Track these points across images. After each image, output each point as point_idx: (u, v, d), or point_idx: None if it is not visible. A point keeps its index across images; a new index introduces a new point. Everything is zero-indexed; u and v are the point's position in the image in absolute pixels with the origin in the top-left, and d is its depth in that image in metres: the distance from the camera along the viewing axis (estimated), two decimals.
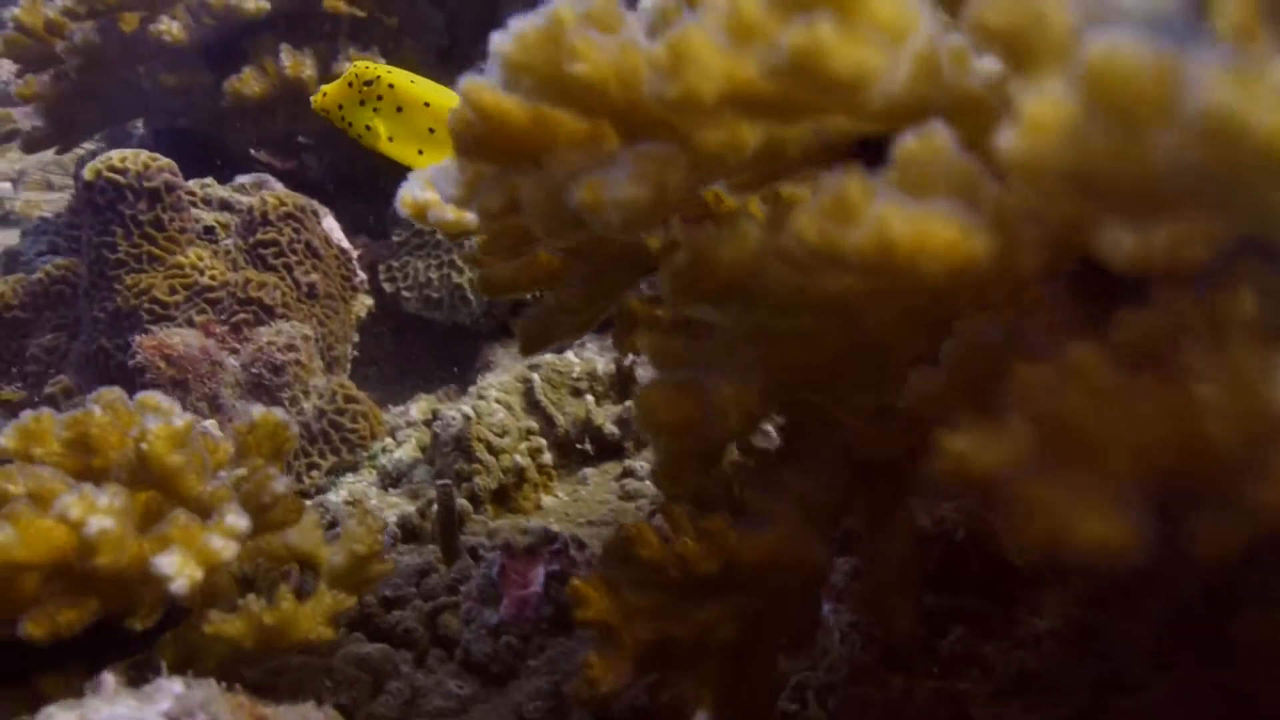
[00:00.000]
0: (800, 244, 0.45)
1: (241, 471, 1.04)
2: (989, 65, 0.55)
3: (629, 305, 0.96)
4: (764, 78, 0.50)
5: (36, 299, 1.99)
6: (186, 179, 2.40)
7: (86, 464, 1.06)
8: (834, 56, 0.46)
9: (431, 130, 1.47)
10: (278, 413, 1.09)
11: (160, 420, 1.01)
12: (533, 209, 0.61)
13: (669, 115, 0.53)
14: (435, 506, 1.49)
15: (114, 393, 1.09)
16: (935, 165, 0.47)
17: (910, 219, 0.42)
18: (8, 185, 3.81)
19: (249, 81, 1.97)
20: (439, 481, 1.43)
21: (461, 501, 1.51)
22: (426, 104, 1.45)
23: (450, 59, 2.27)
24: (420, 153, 1.49)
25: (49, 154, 3.66)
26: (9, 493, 1.06)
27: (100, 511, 0.91)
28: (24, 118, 4.38)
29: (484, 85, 0.64)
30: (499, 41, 0.58)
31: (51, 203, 3.59)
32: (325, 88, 1.48)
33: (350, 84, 1.46)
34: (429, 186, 0.98)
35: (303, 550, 1.11)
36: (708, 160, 0.58)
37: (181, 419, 1.02)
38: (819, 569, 0.82)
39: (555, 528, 1.58)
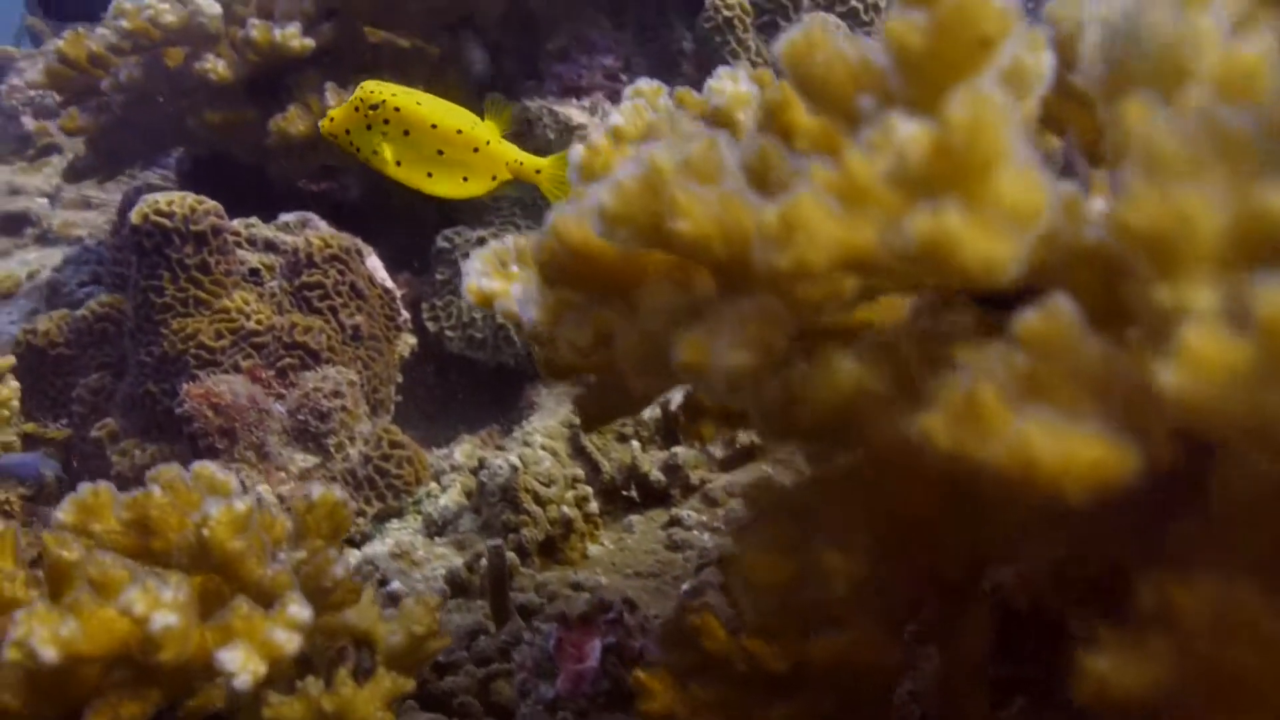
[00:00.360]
0: (929, 445, 0.43)
1: (302, 554, 1.04)
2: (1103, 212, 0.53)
3: (696, 397, 0.95)
4: (883, 252, 0.48)
5: (81, 336, 1.99)
6: (226, 205, 2.41)
7: (146, 545, 1.05)
8: (963, 247, 0.44)
9: (440, 152, 1.45)
10: (336, 491, 1.08)
11: (221, 505, 1.00)
12: (626, 353, 0.59)
13: (775, 279, 0.52)
14: (484, 561, 1.49)
15: (172, 470, 1.09)
16: (1062, 349, 0.45)
17: (1054, 437, 0.40)
18: (45, 201, 3.82)
19: (294, 121, 1.96)
20: (490, 542, 1.41)
21: (509, 554, 1.49)
22: (434, 125, 1.43)
23: (494, 86, 2.26)
24: (430, 175, 1.47)
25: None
26: (65, 560, 1.06)
27: (165, 607, 0.90)
28: (59, 132, 4.40)
29: (573, 222, 0.62)
30: (602, 196, 0.56)
31: (89, 221, 3.60)
32: (333, 112, 1.46)
33: (357, 108, 1.44)
34: (496, 274, 0.97)
35: (360, 629, 1.10)
36: (809, 311, 0.56)
37: (242, 502, 1.02)
38: (893, 671, 0.80)
39: (606, 582, 1.57)
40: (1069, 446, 0.40)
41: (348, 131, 1.46)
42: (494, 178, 1.50)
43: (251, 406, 1.64)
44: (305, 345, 1.74)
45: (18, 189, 3.91)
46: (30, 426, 1.91)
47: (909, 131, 0.47)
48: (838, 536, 0.55)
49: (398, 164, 1.47)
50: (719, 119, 1.02)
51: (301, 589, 1.01)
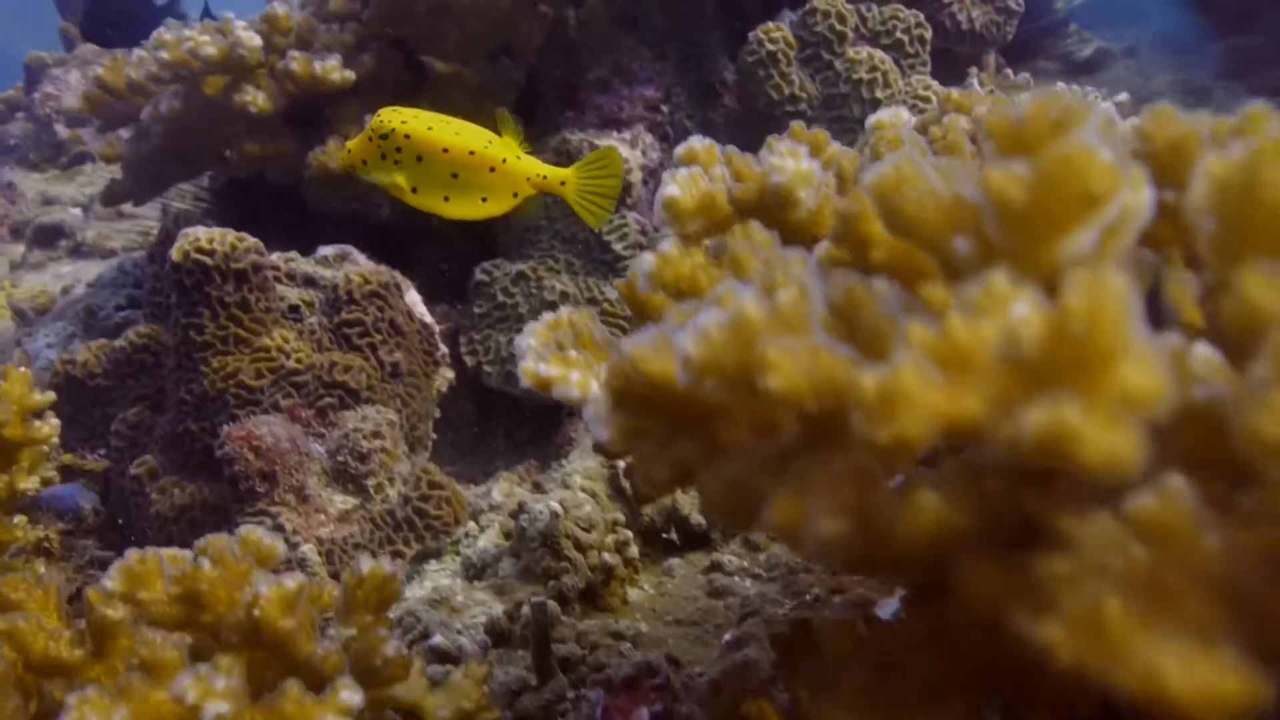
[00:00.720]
0: (1050, 656, 0.41)
1: (352, 632, 1.03)
2: (1209, 364, 0.51)
3: None
4: (988, 428, 0.46)
5: (120, 367, 1.99)
6: (259, 224, 2.40)
7: (195, 619, 1.05)
8: (1085, 445, 0.42)
9: (455, 175, 1.44)
10: (385, 565, 1.07)
11: (272, 584, 0.99)
12: (707, 496, 0.58)
13: (871, 447, 0.50)
14: (525, 609, 1.48)
15: (221, 542, 1.08)
16: (1183, 541, 0.43)
17: (1188, 667, 0.38)
18: (78, 212, 3.83)
19: (334, 155, 1.95)
20: (533, 599, 1.40)
21: (550, 603, 1.48)
22: (445, 150, 1.42)
23: (533, 116, 2.24)
24: (446, 199, 1.46)
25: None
26: (109, 620, 1.06)
27: (217, 696, 0.89)
28: (92, 139, 4.42)
29: (651, 355, 0.60)
30: (688, 345, 0.54)
31: (122, 233, 3.61)
32: (349, 144, 1.46)
33: (370, 138, 1.44)
34: (554, 359, 0.95)
35: (409, 701, 1.09)
36: (902, 465, 0.54)
37: (292, 579, 1.01)
38: None
39: (646, 630, 1.56)
40: (1203, 679, 0.38)
41: (365, 162, 1.46)
42: (515, 194, 1.49)
43: (292, 449, 1.63)
44: (345, 384, 1.74)
45: (51, 199, 3.92)
46: (68, 458, 1.91)
47: (1023, 314, 0.45)
48: (929, 698, 0.53)
49: (414, 190, 1.47)
50: (780, 197, 1.00)
51: (352, 668, 1.00)
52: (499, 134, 1.50)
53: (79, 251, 3.52)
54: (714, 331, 0.54)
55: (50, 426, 1.74)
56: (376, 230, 2.27)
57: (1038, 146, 0.52)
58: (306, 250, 2.38)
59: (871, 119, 1.31)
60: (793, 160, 0.99)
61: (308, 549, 1.45)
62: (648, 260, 0.76)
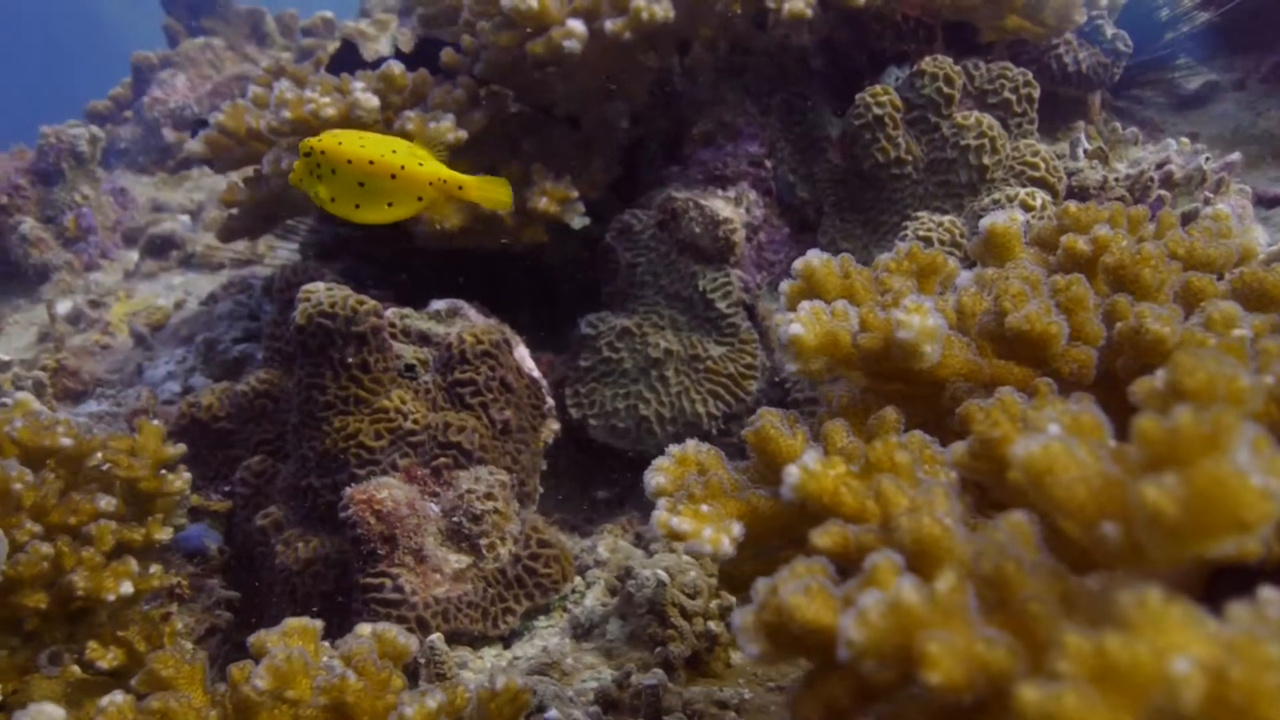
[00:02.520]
0: None
1: None
2: None
3: None
4: None
5: (242, 411, 2.09)
6: (364, 260, 2.48)
7: None
8: None
9: (361, 184, 1.54)
10: (516, 679, 1.13)
11: (415, 705, 1.07)
12: None
13: None
14: (634, 678, 1.53)
15: (363, 649, 1.15)
16: None
17: None
18: (186, 219, 3.95)
19: (449, 215, 2.01)
20: (645, 681, 1.46)
21: (661, 681, 1.54)
22: (349, 161, 1.53)
23: (637, 165, 2.28)
24: (357, 206, 1.57)
25: (224, 184, 3.80)
26: (251, 700, 1.14)
27: None
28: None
29: (804, 605, 0.65)
30: (849, 629, 0.58)
31: (229, 245, 3.73)
32: (296, 164, 1.56)
33: (305, 156, 1.55)
34: (687, 512, 1.00)
35: None
36: None
37: (434, 700, 1.08)
38: None
39: (749, 697, 1.61)
40: None
41: (302, 180, 1.57)
42: (420, 199, 1.58)
43: (411, 513, 1.70)
44: (459, 445, 1.80)
45: (160, 205, 4.05)
46: (195, 499, 2.01)
47: (1184, 672, 0.48)
48: None
49: (332, 200, 1.58)
50: (906, 351, 1.03)
51: None
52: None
53: (189, 263, 3.65)
54: (875, 619, 0.58)
55: (183, 480, 1.84)
56: (476, 263, 2.33)
57: (1190, 462, 0.55)
58: (412, 282, 2.46)
59: (985, 222, 1.33)
60: (918, 317, 1.02)
61: (436, 638, 1.53)
62: (793, 474, 0.80)
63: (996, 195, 1.84)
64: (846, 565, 0.74)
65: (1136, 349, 0.94)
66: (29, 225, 3.72)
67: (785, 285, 1.33)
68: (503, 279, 2.40)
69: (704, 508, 0.99)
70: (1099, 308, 1.07)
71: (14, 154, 3.91)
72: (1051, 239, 1.30)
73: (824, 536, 0.73)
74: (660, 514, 1.00)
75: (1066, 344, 1.01)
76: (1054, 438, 0.62)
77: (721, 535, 0.96)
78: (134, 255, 3.85)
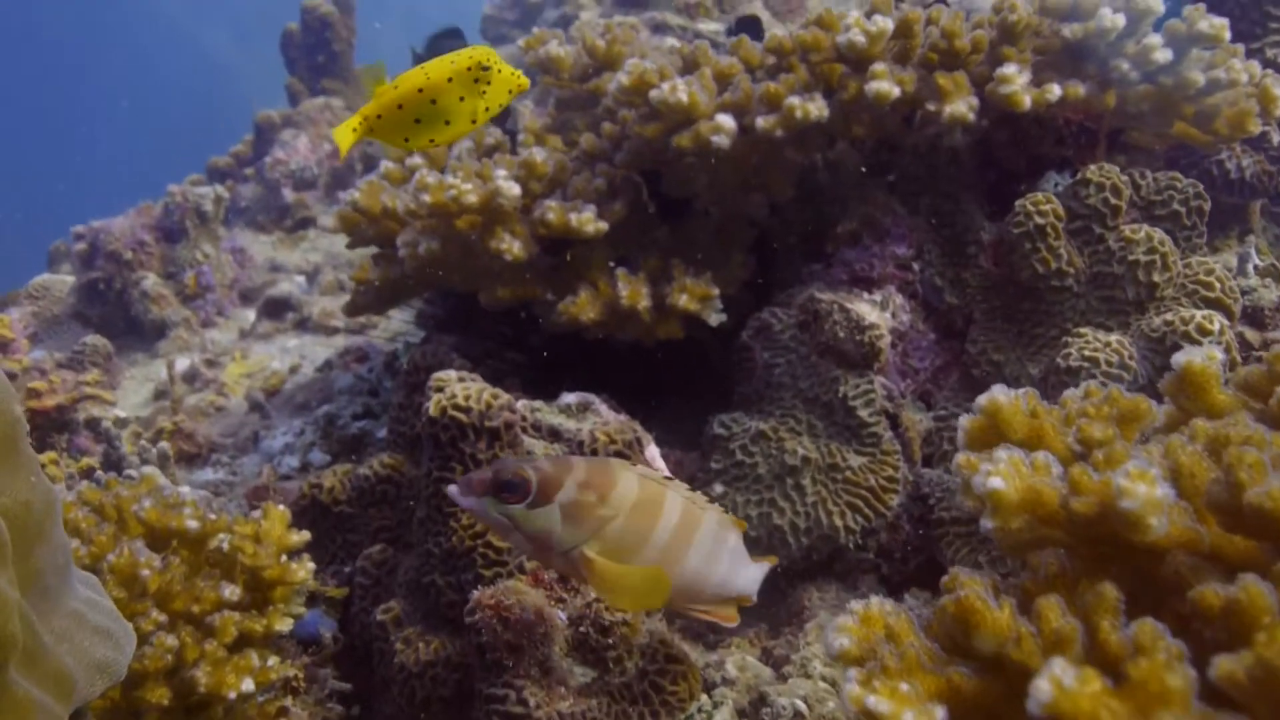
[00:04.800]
0: None
1: None
2: None
3: None
4: None
5: (363, 495, 2.05)
6: (485, 339, 2.44)
7: None
8: None
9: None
10: None
11: None
12: None
13: None
14: None
15: None
16: None
17: None
18: (302, 280, 3.99)
19: (585, 308, 1.96)
20: None
21: None
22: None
23: (774, 258, 2.22)
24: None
25: (340, 245, 3.83)
26: None
27: None
28: (316, 202, 4.61)
29: None
30: None
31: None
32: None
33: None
34: (882, 690, 0.92)
35: None
36: None
37: None
38: None
39: None
40: None
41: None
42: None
43: (539, 623, 1.64)
44: None
45: (278, 265, 4.10)
46: (313, 584, 1.97)
47: None
48: None
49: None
50: (1127, 522, 0.94)
51: None
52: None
53: (304, 326, 3.67)
54: None
55: (306, 570, 1.80)
56: (600, 343, 2.27)
57: None
58: (527, 354, 2.42)
59: (1180, 359, 1.23)
60: (1144, 486, 0.93)
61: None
62: (1043, 690, 0.71)
63: (1169, 316, 1.73)
64: None
65: None
66: (151, 281, 3.78)
67: (965, 421, 1.25)
68: (626, 364, 2.34)
69: (903, 686, 0.90)
70: None
71: (140, 210, 3.99)
72: (1263, 387, 1.20)
73: None
74: (853, 689, 0.92)
75: None
76: None
77: None
78: (250, 314, 3.89)
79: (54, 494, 1.03)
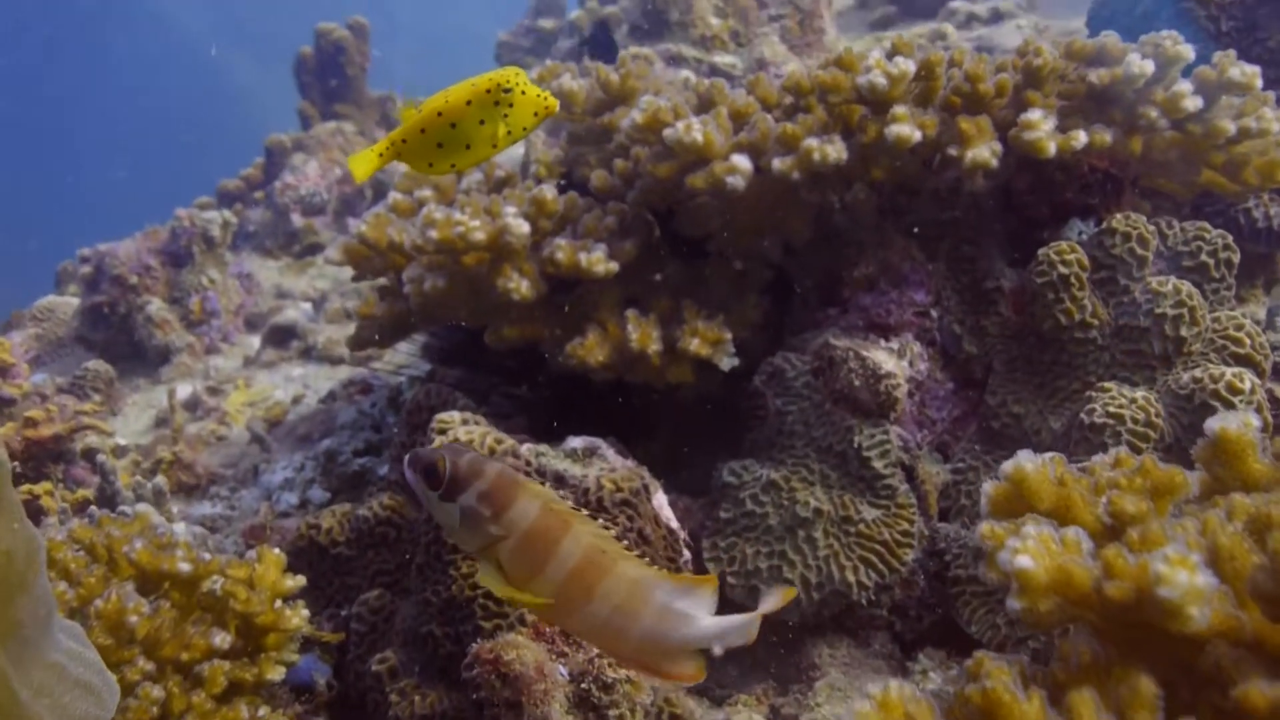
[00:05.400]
0: None
1: None
2: None
3: None
4: None
5: (362, 537, 1.99)
6: (489, 373, 2.39)
7: None
8: None
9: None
10: None
11: None
12: None
13: None
14: None
15: None
16: None
17: None
18: (308, 307, 3.95)
19: (593, 350, 1.91)
20: None
21: None
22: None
23: (789, 302, 2.17)
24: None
25: (347, 275, 3.78)
26: None
27: None
28: (324, 228, 4.57)
29: None
30: None
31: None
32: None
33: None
34: None
35: None
36: None
37: None
38: None
39: None
40: None
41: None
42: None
43: (539, 678, 1.58)
44: None
45: (284, 292, 4.06)
46: (308, 629, 1.91)
47: None
48: None
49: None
50: (1166, 611, 0.88)
51: None
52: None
53: (309, 354, 3.62)
54: None
55: (300, 617, 1.74)
56: (614, 389, 2.22)
57: None
58: (531, 389, 2.36)
59: (1214, 425, 1.17)
60: (1185, 573, 0.87)
61: None
62: None
63: (1197, 373, 1.67)
64: None
65: None
66: (155, 306, 3.74)
67: (990, 488, 1.19)
68: (631, 405, 2.29)
69: None
70: None
71: (147, 234, 3.96)
72: None
73: None
74: None
75: None
76: None
77: None
78: (255, 340, 3.84)
79: (38, 541, 0.98)
